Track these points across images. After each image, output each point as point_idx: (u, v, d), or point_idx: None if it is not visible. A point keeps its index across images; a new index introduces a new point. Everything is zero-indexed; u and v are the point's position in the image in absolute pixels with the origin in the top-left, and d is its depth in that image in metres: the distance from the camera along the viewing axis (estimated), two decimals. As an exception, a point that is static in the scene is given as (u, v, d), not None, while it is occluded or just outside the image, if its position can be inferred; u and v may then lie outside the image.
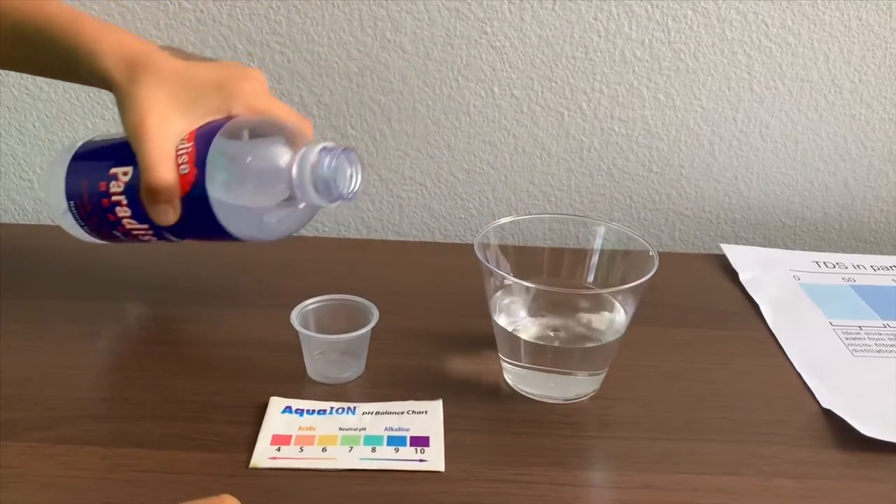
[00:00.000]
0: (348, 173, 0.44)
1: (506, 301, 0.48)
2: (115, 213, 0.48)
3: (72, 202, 0.50)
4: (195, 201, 0.44)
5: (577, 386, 0.47)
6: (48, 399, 0.45)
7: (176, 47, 0.52)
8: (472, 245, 0.47)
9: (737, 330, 0.56)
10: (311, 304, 0.49)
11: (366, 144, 0.69)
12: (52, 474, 0.40)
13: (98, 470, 0.40)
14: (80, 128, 0.69)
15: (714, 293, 0.61)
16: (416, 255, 0.66)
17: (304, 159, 0.42)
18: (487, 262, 0.46)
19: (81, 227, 0.51)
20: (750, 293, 0.60)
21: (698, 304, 0.59)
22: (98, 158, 0.50)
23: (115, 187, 0.47)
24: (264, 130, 0.45)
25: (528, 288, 0.46)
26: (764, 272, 0.63)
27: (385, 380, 0.48)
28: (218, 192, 0.44)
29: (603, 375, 0.48)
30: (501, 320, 0.48)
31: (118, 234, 0.50)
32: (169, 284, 0.58)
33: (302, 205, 0.44)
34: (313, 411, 0.45)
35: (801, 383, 0.50)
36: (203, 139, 0.44)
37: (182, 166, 0.44)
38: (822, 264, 0.65)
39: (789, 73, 0.68)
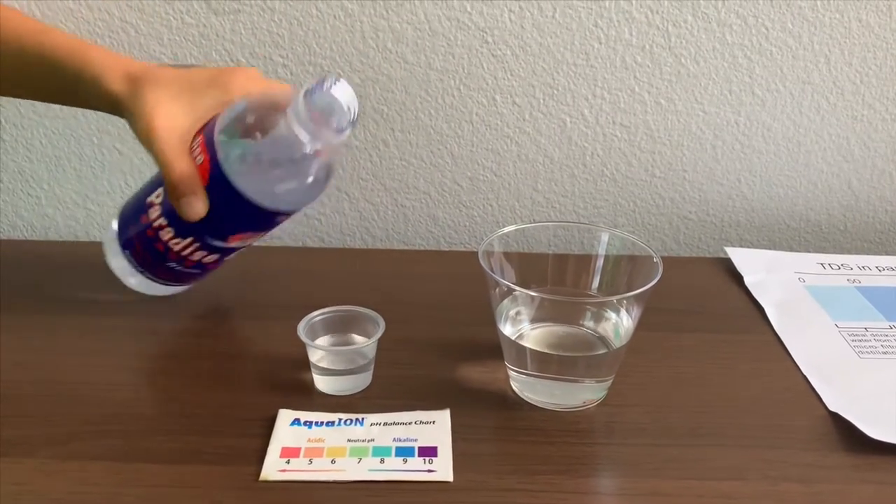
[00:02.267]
0: (344, 101, 0.45)
1: (511, 309, 0.48)
2: (160, 240, 0.51)
3: (127, 251, 0.53)
4: (218, 184, 0.46)
5: (584, 393, 0.47)
6: (59, 415, 0.45)
7: (176, 62, 0.54)
8: (476, 253, 0.47)
9: (742, 333, 0.56)
10: (317, 315, 0.50)
11: (370, 155, 0.70)
12: (64, 490, 0.40)
13: (110, 485, 0.40)
14: (86, 144, 0.69)
15: (719, 297, 0.61)
16: (421, 265, 0.66)
17: (296, 102, 0.44)
18: (492, 270, 0.47)
19: (146, 275, 0.54)
20: (755, 296, 0.60)
21: (703, 308, 0.59)
22: (135, 200, 0.53)
23: (154, 213, 0.50)
24: (261, 100, 0.48)
25: (532, 297, 0.47)
26: (769, 275, 0.63)
27: (392, 390, 0.49)
28: (235, 167, 0.46)
29: (609, 382, 0.48)
30: (507, 329, 0.48)
31: (173, 264, 0.52)
32: (176, 299, 0.58)
33: (313, 150, 0.46)
34: (322, 423, 0.45)
35: (807, 386, 0.50)
36: (208, 127, 0.47)
37: (197, 158, 0.47)
38: (826, 266, 0.65)
39: (790, 76, 0.68)
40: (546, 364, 0.47)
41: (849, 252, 0.73)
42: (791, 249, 0.73)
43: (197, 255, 0.51)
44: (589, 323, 0.49)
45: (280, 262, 0.65)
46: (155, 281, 0.54)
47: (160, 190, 0.50)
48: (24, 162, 0.70)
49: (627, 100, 0.68)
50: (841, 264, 0.65)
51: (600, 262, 0.51)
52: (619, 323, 0.48)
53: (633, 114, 0.69)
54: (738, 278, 0.63)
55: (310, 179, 0.47)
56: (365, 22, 0.65)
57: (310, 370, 0.48)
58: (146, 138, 0.47)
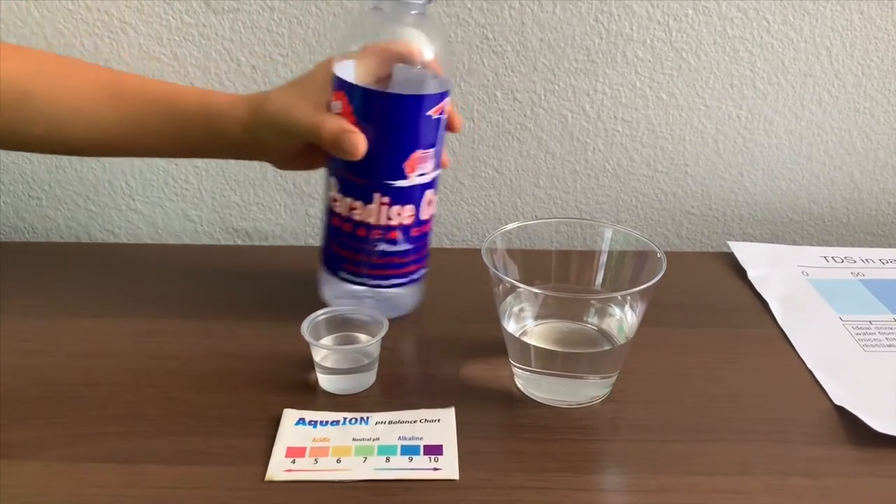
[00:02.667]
0: None
1: (515, 306, 0.48)
2: (352, 220, 0.51)
3: (341, 272, 0.53)
4: (363, 107, 0.49)
5: (589, 390, 0.47)
6: (61, 417, 0.45)
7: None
8: (479, 250, 0.47)
9: (746, 328, 0.56)
10: (321, 315, 0.49)
11: (370, 152, 0.70)
12: (68, 493, 0.40)
13: (115, 487, 0.40)
14: (87, 145, 0.69)
15: (723, 291, 0.61)
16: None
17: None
18: (495, 267, 0.46)
19: (370, 283, 0.53)
20: (758, 290, 0.60)
21: (707, 303, 0.59)
22: (323, 227, 0.55)
23: (338, 206, 0.52)
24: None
25: (536, 293, 0.46)
26: (772, 269, 0.63)
27: (397, 389, 0.48)
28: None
29: (614, 378, 0.48)
30: (511, 326, 0.48)
31: (382, 245, 0.52)
32: (179, 299, 0.58)
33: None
34: (327, 422, 0.45)
35: (812, 380, 0.50)
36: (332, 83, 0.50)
37: (337, 112, 0.50)
38: (830, 259, 0.65)
39: (792, 69, 0.67)
40: (550, 361, 0.47)
41: (852, 245, 0.73)
42: (794, 243, 0.73)
43: (394, 218, 0.51)
44: (593, 319, 0.49)
45: (283, 261, 0.65)
46: (384, 285, 0.53)
47: (332, 180, 0.51)
48: (24, 164, 0.70)
49: (629, 95, 0.68)
50: (844, 257, 0.65)
51: (604, 258, 0.51)
52: (623, 319, 0.48)
53: (635, 109, 0.68)
54: (741, 273, 0.63)
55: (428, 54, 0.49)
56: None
57: (314, 369, 0.48)
58: (288, 129, 0.50)
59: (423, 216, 0.53)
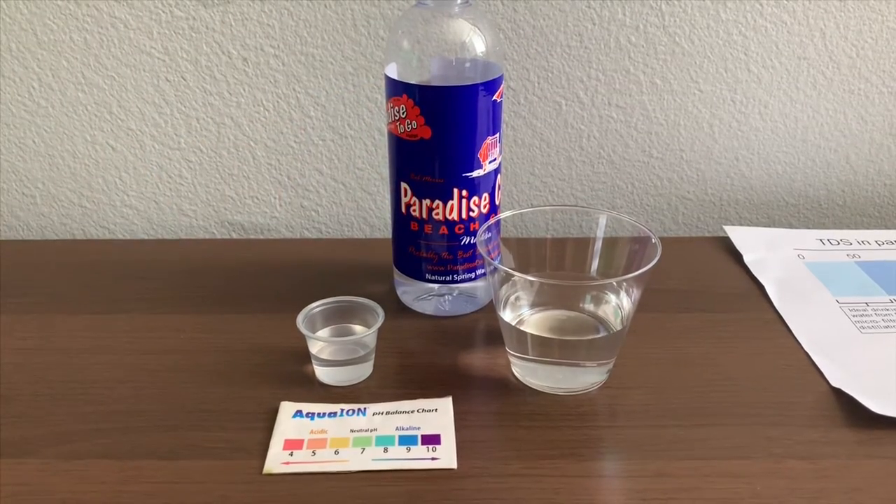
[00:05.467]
0: None
1: (510, 295, 0.48)
2: (433, 220, 0.52)
3: (426, 273, 0.54)
4: (425, 106, 0.49)
5: (586, 377, 0.47)
6: (59, 414, 0.45)
7: None
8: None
9: (743, 312, 0.56)
10: (316, 306, 0.49)
11: (365, 144, 0.69)
12: (68, 490, 0.40)
13: (113, 483, 0.40)
14: (80, 141, 0.69)
15: (719, 276, 0.61)
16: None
17: None
18: (490, 256, 0.46)
19: (454, 280, 0.53)
20: (755, 274, 0.60)
21: (703, 288, 0.59)
22: (393, 226, 0.55)
23: (414, 209, 0.52)
24: None
25: (531, 281, 0.46)
26: (768, 252, 0.63)
27: (393, 379, 0.48)
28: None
29: (611, 365, 0.48)
30: (507, 315, 0.48)
31: (465, 238, 0.52)
32: (175, 294, 0.58)
33: None
34: (324, 414, 0.45)
35: (809, 363, 0.50)
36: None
37: (402, 116, 0.50)
38: (826, 242, 0.65)
39: (786, 52, 0.67)
40: (547, 349, 0.47)
41: (848, 227, 0.73)
42: (790, 226, 0.73)
43: (474, 210, 0.51)
44: (589, 306, 0.49)
45: (278, 253, 0.64)
46: (472, 278, 0.54)
47: (403, 186, 0.51)
48: (17, 161, 0.70)
49: (623, 80, 0.68)
50: (840, 240, 0.65)
51: (599, 245, 0.51)
52: (619, 305, 0.48)
53: (629, 94, 0.68)
54: (737, 257, 0.63)
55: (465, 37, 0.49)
56: (356, 9, 0.65)
57: (310, 361, 0.48)
58: None
59: (497, 201, 0.53)
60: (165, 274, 0.61)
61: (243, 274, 0.61)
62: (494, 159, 0.52)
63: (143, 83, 0.67)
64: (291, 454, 0.42)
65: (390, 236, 0.56)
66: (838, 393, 0.47)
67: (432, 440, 0.43)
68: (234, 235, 0.73)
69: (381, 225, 0.72)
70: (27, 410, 0.46)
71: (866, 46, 0.67)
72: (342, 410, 0.45)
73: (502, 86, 0.51)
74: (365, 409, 0.45)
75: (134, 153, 0.69)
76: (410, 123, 0.49)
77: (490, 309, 0.48)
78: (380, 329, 0.48)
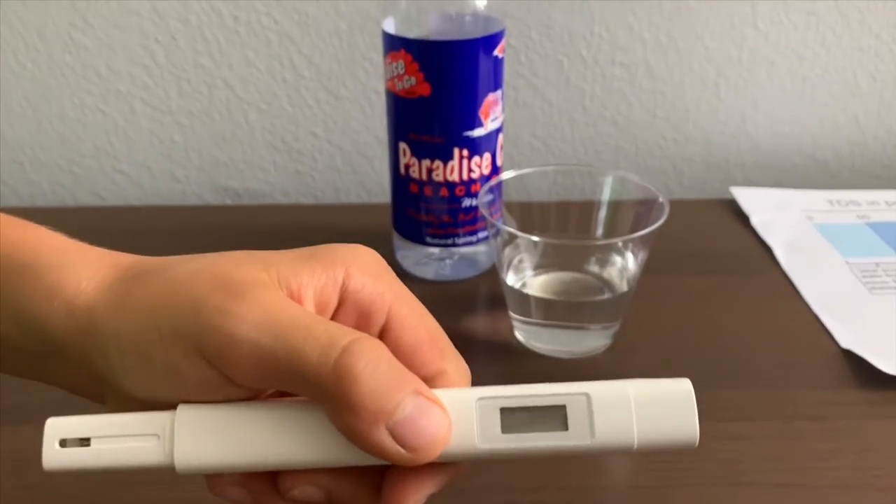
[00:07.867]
0: None
1: (513, 257, 0.47)
2: (433, 181, 0.50)
3: (426, 236, 0.52)
4: (426, 63, 0.48)
5: (590, 340, 0.46)
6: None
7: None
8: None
9: (751, 275, 0.55)
10: (313, 271, 0.48)
11: (361, 105, 0.68)
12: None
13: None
14: (68, 105, 0.67)
15: (726, 238, 0.60)
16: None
17: None
18: (492, 217, 0.45)
19: (453, 245, 0.52)
20: (762, 236, 0.59)
21: (710, 251, 0.58)
22: (392, 183, 0.54)
23: (414, 170, 0.50)
24: None
25: (535, 242, 0.45)
26: (776, 214, 0.62)
27: (394, 344, 0.47)
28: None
29: (616, 328, 0.47)
30: (510, 277, 0.47)
31: (466, 200, 0.51)
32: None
33: None
34: (323, 380, 0.44)
35: (818, 325, 0.49)
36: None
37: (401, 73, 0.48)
38: (835, 203, 0.64)
39: (794, 7, 0.65)
40: (550, 311, 0.46)
41: (857, 188, 0.71)
42: (798, 188, 0.71)
43: (475, 170, 0.50)
44: (593, 268, 0.48)
45: (274, 220, 0.63)
46: (473, 241, 0.52)
47: (401, 146, 0.50)
48: (4, 127, 0.68)
49: (626, 38, 0.66)
50: (850, 201, 0.64)
51: (604, 206, 0.49)
52: (625, 267, 0.46)
53: (633, 52, 0.66)
54: (744, 219, 0.62)
55: None
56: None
57: (308, 327, 0.47)
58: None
59: (499, 162, 0.52)
60: (159, 241, 0.59)
61: (238, 240, 0.59)
62: (496, 118, 0.50)
63: (132, 43, 0.65)
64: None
65: (388, 201, 0.55)
66: (848, 354, 0.46)
67: (434, 405, 0.42)
68: (228, 202, 0.71)
69: (378, 190, 0.71)
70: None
71: (877, 2, 0.65)
72: (341, 376, 0.44)
73: (504, 41, 0.49)
74: (365, 374, 0.44)
75: (124, 117, 0.68)
76: (409, 80, 0.48)
77: (491, 273, 0.47)
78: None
